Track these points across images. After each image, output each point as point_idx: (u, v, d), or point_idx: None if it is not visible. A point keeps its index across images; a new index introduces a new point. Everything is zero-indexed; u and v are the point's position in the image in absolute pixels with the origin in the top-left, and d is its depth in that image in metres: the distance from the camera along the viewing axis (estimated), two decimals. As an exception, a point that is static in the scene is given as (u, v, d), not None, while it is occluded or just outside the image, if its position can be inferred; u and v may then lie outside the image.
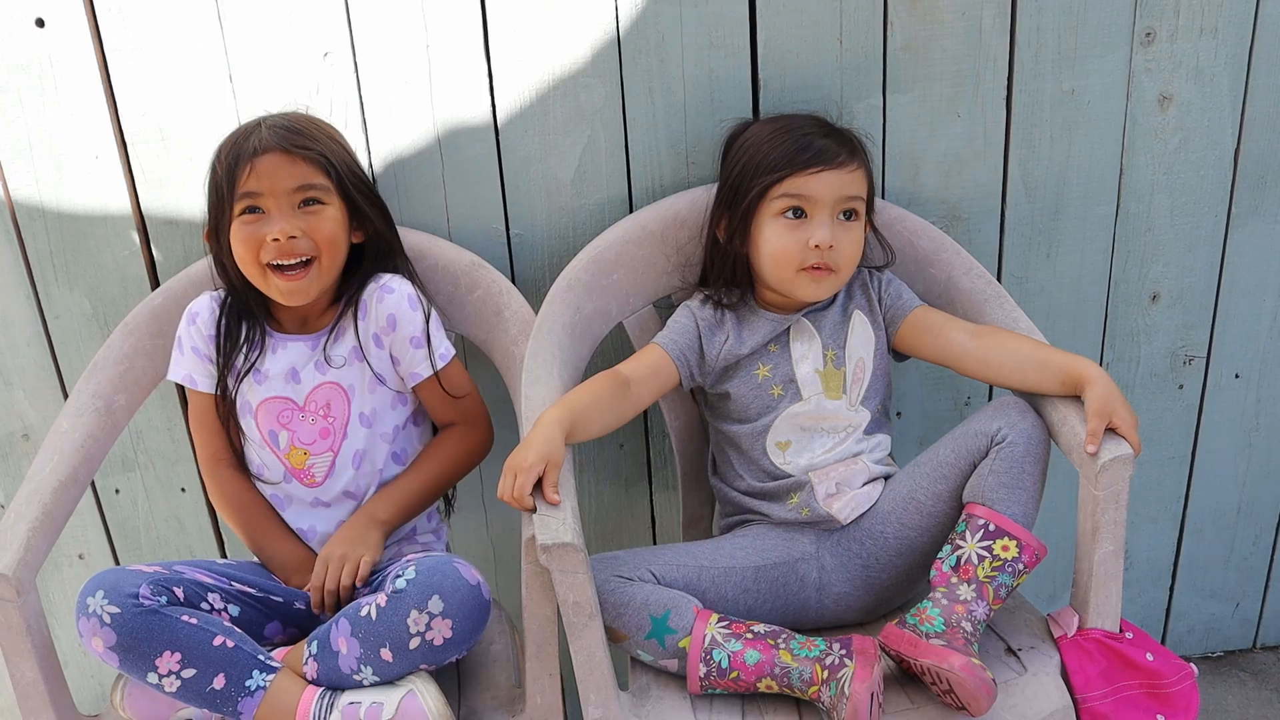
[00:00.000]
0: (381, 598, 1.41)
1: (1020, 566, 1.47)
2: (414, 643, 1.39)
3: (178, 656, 1.40)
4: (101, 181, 1.72)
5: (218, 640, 1.41)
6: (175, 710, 1.48)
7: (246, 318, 1.63)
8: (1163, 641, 2.18)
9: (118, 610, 1.38)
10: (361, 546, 1.54)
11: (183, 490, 1.93)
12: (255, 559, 1.65)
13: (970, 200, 1.81)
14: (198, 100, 1.69)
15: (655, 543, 2.01)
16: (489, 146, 1.73)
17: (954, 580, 1.47)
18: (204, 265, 1.67)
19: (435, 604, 1.38)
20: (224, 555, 1.98)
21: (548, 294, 1.66)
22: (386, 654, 1.40)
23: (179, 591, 1.44)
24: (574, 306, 1.66)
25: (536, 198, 1.76)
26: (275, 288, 1.55)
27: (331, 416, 1.61)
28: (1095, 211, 1.83)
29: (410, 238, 1.70)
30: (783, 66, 1.71)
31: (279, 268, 1.54)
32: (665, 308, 1.74)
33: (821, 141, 1.57)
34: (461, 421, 1.67)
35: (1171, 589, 2.14)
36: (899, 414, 1.92)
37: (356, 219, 1.60)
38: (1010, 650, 1.53)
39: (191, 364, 1.63)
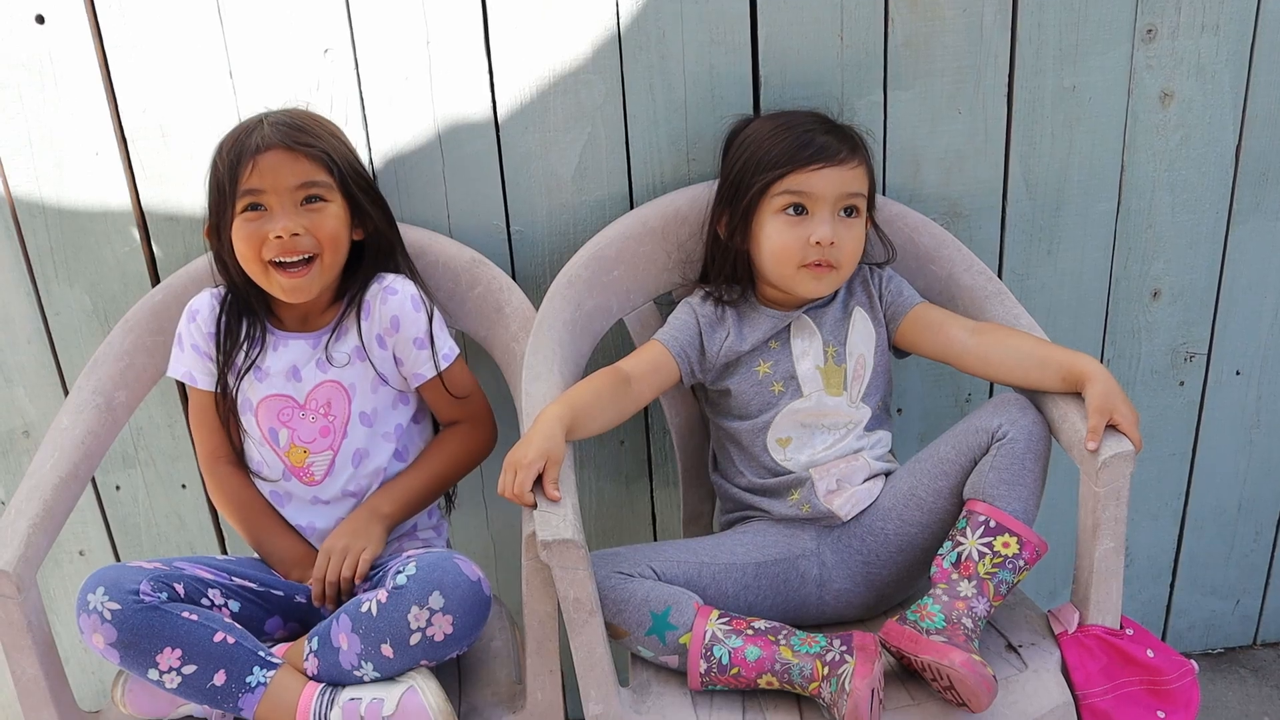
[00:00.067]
0: (382, 594, 1.41)
1: (1021, 563, 1.47)
2: (415, 639, 1.39)
3: (178, 653, 1.40)
4: (102, 178, 1.72)
5: (218, 637, 1.41)
6: (176, 706, 1.48)
7: (247, 315, 1.62)
8: (1163, 638, 2.18)
9: (118, 606, 1.39)
10: (363, 539, 1.54)
11: (183, 487, 1.93)
12: (255, 555, 1.65)
13: (971, 197, 1.81)
14: (198, 97, 1.68)
15: (656, 539, 2.00)
16: (489, 143, 1.73)
17: (954, 576, 1.47)
18: (204, 262, 1.67)
19: (436, 600, 1.39)
20: (224, 551, 1.98)
21: (548, 291, 1.66)
22: (387, 650, 1.40)
23: (179, 588, 1.44)
24: (575, 303, 1.66)
25: (537, 194, 1.76)
26: (277, 285, 1.55)
27: (332, 415, 1.61)
28: (1096, 208, 1.83)
29: (411, 234, 1.70)
30: (783, 63, 1.71)
31: (281, 265, 1.54)
32: (666, 304, 1.73)
33: (822, 138, 1.56)
34: (465, 420, 1.67)
35: (1172, 585, 2.14)
36: (899, 411, 1.92)
37: (358, 216, 1.60)
38: (1011, 647, 1.53)
39: (191, 361, 1.63)
